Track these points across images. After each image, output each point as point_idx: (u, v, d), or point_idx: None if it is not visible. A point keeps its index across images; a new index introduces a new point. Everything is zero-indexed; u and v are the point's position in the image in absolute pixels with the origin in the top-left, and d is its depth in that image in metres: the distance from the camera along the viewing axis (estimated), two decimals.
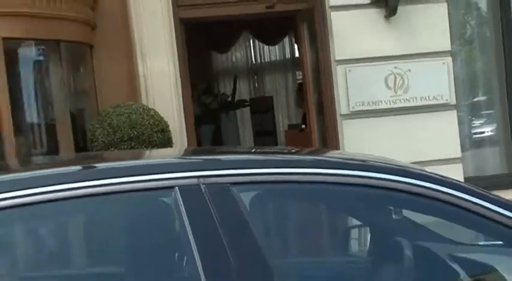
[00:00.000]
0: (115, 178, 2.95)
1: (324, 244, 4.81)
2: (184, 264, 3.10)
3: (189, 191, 2.89)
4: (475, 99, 9.88)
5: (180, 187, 2.89)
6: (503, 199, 3.29)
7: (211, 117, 12.44)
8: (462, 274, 3.60)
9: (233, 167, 3.12)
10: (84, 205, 3.05)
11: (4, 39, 7.41)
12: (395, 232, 3.84)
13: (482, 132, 9.96)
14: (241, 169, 3.10)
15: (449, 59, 8.79)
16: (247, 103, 13.84)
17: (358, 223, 4.35)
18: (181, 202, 2.87)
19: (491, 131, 9.84)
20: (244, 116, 13.85)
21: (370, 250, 4.12)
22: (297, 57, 12.42)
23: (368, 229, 4.16)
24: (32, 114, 8.40)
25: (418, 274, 3.67)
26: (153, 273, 3.34)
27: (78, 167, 3.55)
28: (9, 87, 7.56)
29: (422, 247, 3.78)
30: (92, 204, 3.06)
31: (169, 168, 3.16)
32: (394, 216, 3.80)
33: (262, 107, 13.57)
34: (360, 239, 4.37)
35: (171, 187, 2.91)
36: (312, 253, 4.60)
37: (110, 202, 3.06)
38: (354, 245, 4.42)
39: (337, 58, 8.63)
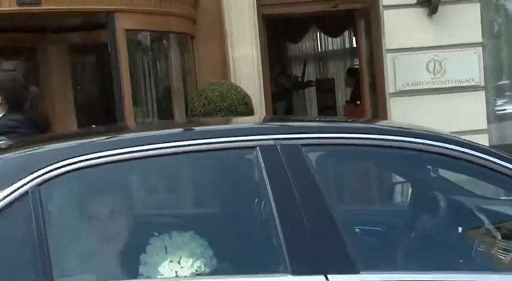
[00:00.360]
0: (210, 139, 2.94)
1: (374, 196, 4.78)
2: (262, 207, 3.08)
3: (267, 151, 2.86)
4: (500, 83, 9.72)
5: (261, 146, 2.86)
6: None
7: (284, 94, 12.34)
8: (486, 222, 3.58)
9: (303, 131, 3.07)
10: (187, 159, 3.04)
11: (126, 30, 7.49)
12: (432, 187, 3.79)
13: (505, 109, 9.80)
14: (309, 134, 3.05)
15: (479, 49, 8.63)
16: (313, 84, 13.68)
17: (402, 179, 4.29)
18: (261, 159, 2.83)
19: None
20: (311, 94, 13.73)
21: (411, 201, 4.08)
22: (354, 47, 12.28)
23: (410, 184, 4.11)
24: (148, 90, 8.49)
25: (450, 221, 3.63)
26: (238, 215, 3.44)
27: (181, 130, 3.61)
28: (130, 68, 7.62)
29: (454, 199, 3.73)
30: (192, 159, 3.05)
31: (252, 132, 3.11)
32: (432, 174, 3.79)
33: (325, 87, 13.43)
34: (403, 193, 4.32)
35: (254, 147, 2.88)
36: (365, 203, 4.59)
37: (206, 157, 3.03)
38: (398, 197, 4.39)
39: (387, 48, 8.55)
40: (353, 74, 11.83)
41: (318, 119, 5.29)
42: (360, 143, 3.10)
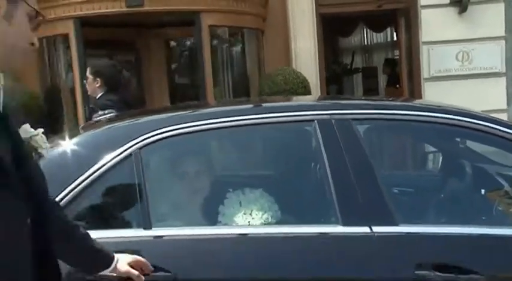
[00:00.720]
0: (276, 113, 2.94)
1: (410, 162, 4.70)
2: (318, 170, 3.03)
3: (323, 123, 2.83)
4: None
5: (318, 120, 2.84)
6: None
7: (336, 79, 12.28)
8: (505, 185, 3.50)
9: (353, 108, 3.05)
10: (257, 130, 3.05)
11: (210, 26, 7.58)
12: (460, 156, 3.79)
13: None
14: (358, 110, 3.03)
15: (502, 42, 8.50)
16: (360, 70, 13.62)
17: (434, 149, 4.25)
18: (319, 131, 2.82)
19: None
20: (358, 79, 13.68)
21: (441, 167, 4.05)
22: (394, 40, 12.06)
23: (441, 153, 4.08)
24: (225, 74, 8.51)
25: (475, 184, 3.62)
26: (299, 176, 3.38)
27: (252, 106, 3.61)
28: (212, 57, 7.69)
29: (479, 166, 3.70)
30: (262, 130, 3.05)
31: (311, 108, 3.12)
32: (460, 145, 3.71)
33: (370, 74, 13.36)
34: (435, 160, 4.28)
35: (312, 120, 2.86)
36: (403, 169, 4.53)
37: (273, 129, 3.05)
38: (431, 164, 4.34)
39: (423, 40, 8.48)
40: (389, 64, 11.90)
41: (364, 98, 5.23)
42: (400, 118, 3.05)
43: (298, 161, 3.41)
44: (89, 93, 5.67)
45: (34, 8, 1.63)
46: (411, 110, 3.15)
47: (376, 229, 2.63)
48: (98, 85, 5.25)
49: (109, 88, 5.25)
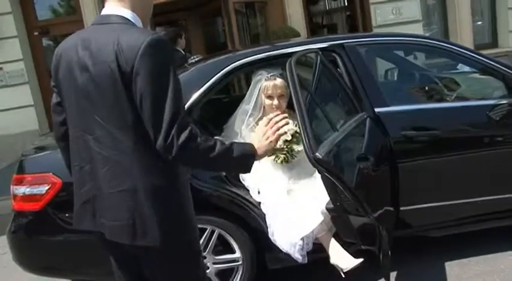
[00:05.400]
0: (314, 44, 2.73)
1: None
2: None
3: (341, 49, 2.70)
4: None
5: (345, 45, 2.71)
6: None
7: (314, 33, 11.73)
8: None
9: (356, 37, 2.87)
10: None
11: (234, 3, 7.48)
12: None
13: None
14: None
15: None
16: (327, 26, 13.05)
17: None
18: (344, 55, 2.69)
19: None
20: (325, 32, 13.31)
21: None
22: (349, 4, 11.66)
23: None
24: (245, 36, 8.25)
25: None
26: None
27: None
28: (238, 30, 7.53)
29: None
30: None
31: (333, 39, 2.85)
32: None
33: (333, 28, 12.76)
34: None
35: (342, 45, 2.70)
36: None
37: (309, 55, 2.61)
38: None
39: (371, 2, 8.26)
40: (348, 19, 11.11)
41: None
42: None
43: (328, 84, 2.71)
44: (180, 47, 5.83)
45: None
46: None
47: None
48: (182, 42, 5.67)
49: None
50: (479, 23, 9.30)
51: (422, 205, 2.71)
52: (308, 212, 2.39)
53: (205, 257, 2.47)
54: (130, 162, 1.40)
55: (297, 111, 1.75)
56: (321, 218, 2.33)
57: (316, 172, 1.98)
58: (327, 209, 1.83)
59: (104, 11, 1.52)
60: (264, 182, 2.54)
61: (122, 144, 1.40)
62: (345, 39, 2.85)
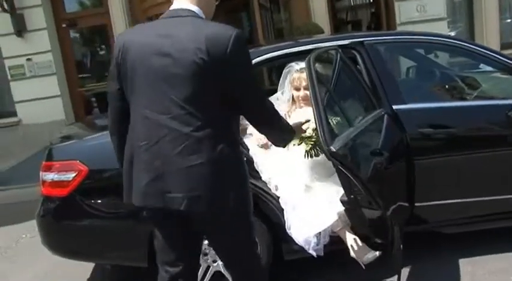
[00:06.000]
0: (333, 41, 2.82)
1: None
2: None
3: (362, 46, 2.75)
4: None
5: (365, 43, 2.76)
6: None
7: (338, 29, 11.49)
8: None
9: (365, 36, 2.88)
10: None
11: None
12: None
13: None
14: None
15: None
16: (352, 22, 12.94)
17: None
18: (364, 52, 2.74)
19: None
20: (349, 28, 13.25)
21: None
22: (374, 1, 11.55)
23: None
24: (269, 27, 8.21)
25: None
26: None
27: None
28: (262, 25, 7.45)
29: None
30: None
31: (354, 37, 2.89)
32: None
33: (357, 24, 12.58)
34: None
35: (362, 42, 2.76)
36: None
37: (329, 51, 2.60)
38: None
39: None
40: (373, 16, 10.97)
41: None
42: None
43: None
44: None
45: None
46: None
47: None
48: None
49: None
50: (508, 20, 9.10)
51: (437, 202, 2.74)
52: (324, 210, 2.44)
53: None
54: (204, 136, 1.59)
55: (313, 106, 1.83)
56: (336, 216, 2.39)
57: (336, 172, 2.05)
58: (341, 201, 1.89)
59: (173, 7, 1.73)
60: (284, 176, 2.59)
61: (198, 121, 1.59)
62: (364, 37, 2.89)
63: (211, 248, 2.37)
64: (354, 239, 2.40)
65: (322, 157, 2.43)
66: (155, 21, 1.78)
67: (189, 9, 1.70)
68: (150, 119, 1.64)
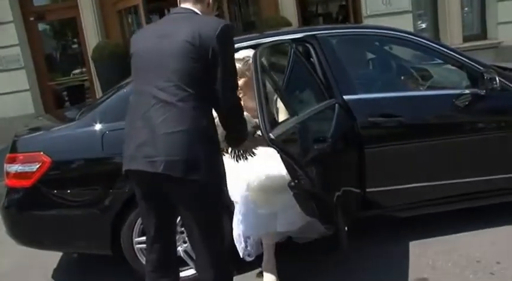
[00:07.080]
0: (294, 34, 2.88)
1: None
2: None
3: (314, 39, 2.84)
4: None
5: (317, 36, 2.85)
6: None
7: (307, 22, 11.67)
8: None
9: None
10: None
11: None
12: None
13: None
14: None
15: None
16: (321, 15, 13.04)
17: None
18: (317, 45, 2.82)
19: None
20: (320, 21, 13.32)
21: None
22: None
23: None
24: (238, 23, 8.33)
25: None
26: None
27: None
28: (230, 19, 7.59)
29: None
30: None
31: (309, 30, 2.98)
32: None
33: (327, 17, 12.43)
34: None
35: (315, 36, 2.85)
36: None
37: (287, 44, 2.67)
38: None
39: None
40: (341, 9, 11.17)
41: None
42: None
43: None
44: None
45: None
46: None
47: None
48: None
49: None
50: (469, 14, 9.36)
51: (389, 187, 2.85)
52: (262, 219, 2.39)
53: None
54: (187, 107, 1.75)
55: (256, 96, 1.92)
56: (270, 230, 2.39)
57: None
58: (289, 186, 2.00)
59: (176, 9, 2.01)
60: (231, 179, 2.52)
61: (184, 92, 1.76)
62: (317, 31, 2.98)
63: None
64: (271, 261, 2.49)
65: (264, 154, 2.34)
66: (161, 19, 2.11)
67: (187, 8, 1.95)
68: (144, 92, 1.83)
